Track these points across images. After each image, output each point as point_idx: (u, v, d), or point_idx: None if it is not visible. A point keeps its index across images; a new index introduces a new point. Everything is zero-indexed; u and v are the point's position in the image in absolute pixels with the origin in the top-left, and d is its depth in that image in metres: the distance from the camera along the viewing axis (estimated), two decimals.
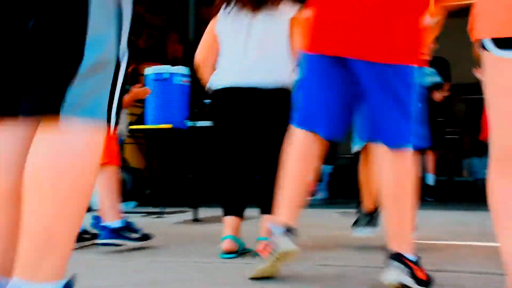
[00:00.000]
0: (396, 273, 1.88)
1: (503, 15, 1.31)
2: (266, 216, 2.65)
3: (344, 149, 8.75)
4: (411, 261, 1.91)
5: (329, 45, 2.01)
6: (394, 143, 2.00)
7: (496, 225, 1.37)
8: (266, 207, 2.61)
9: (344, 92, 2.06)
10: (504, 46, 1.31)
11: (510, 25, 1.29)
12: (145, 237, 2.94)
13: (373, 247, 2.79)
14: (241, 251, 2.69)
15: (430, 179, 6.09)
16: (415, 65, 2.00)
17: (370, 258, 2.57)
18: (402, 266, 1.89)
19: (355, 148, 2.89)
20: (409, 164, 2.01)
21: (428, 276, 1.93)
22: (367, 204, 2.89)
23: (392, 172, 2.00)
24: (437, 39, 3.42)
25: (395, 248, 1.94)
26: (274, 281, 2.09)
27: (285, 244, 1.97)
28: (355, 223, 2.92)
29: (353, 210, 5.27)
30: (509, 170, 1.36)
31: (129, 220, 2.97)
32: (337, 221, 4.44)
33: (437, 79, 5.85)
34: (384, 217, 2.08)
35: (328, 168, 6.33)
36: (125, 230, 2.87)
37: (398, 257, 1.91)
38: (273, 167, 2.55)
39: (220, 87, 2.75)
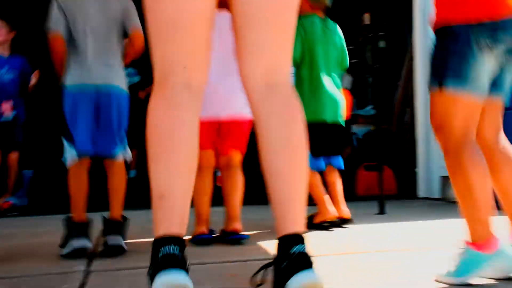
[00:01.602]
0: None
1: None
2: None
3: (46, 153, 8.30)
4: None
5: None
6: None
7: (150, 154, 1.25)
8: None
9: None
10: None
11: None
12: None
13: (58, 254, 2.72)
14: None
15: (132, 174, 6.43)
16: None
17: (48, 265, 2.51)
18: None
19: (68, 159, 2.73)
20: None
21: None
22: (78, 215, 2.72)
23: None
24: None
25: None
26: None
27: None
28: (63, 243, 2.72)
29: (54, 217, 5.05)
30: (166, 92, 1.24)
31: None
32: (31, 229, 4.18)
33: (136, 79, 6.28)
34: None
35: (28, 173, 5.95)
36: None
37: None
38: None
39: None
